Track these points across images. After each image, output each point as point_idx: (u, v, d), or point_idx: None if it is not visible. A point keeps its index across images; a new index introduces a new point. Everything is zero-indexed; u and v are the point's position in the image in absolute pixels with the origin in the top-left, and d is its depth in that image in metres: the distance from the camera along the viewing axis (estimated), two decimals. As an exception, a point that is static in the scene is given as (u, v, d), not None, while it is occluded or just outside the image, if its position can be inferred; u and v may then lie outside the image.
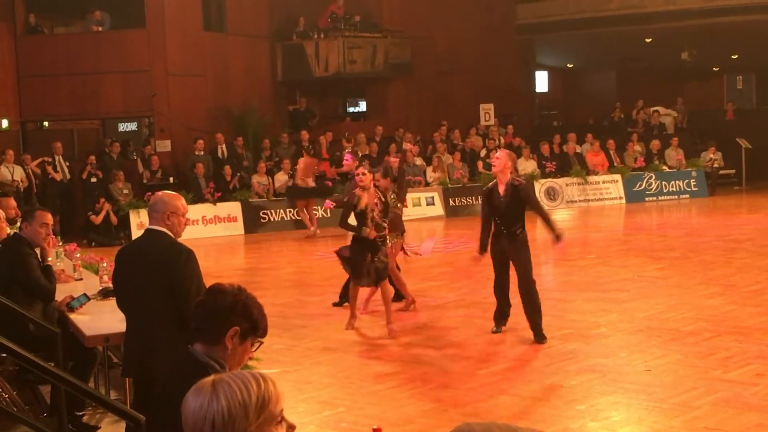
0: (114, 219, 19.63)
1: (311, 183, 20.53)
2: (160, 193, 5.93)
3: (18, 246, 7.36)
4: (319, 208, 20.73)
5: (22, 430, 6.56)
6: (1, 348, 5.31)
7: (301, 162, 20.64)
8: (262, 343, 3.68)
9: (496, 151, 10.45)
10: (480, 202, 10.33)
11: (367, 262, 10.10)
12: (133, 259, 5.73)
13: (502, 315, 9.95)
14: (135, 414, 4.62)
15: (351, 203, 10.24)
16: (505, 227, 9.44)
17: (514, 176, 9.70)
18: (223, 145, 22.47)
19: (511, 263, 9.63)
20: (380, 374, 8.62)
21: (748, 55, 29.26)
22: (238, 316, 3.58)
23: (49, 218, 7.66)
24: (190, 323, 3.71)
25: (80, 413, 7.11)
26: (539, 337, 9.51)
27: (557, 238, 9.47)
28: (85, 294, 7.53)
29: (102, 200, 19.66)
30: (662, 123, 27.88)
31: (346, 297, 11.76)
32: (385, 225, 10.27)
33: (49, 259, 7.79)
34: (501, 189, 9.47)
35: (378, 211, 10.13)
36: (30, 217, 7.54)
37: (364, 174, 10.18)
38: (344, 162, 13.82)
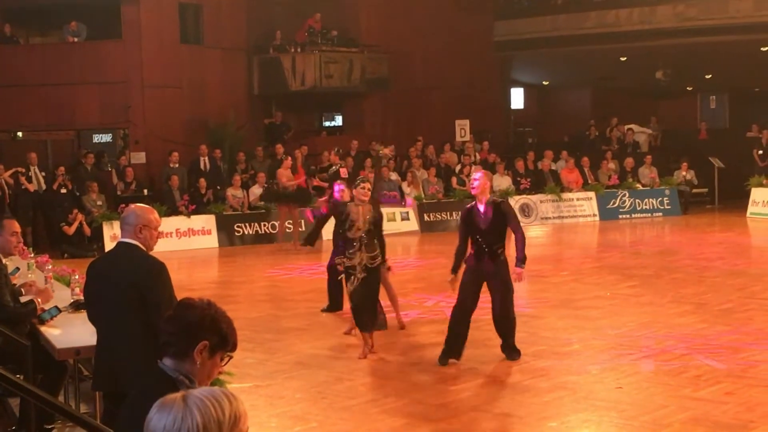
0: (87, 230, 19.52)
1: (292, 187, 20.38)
2: (132, 205, 5.91)
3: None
4: (303, 222, 20.63)
5: (-10, 443, 6.51)
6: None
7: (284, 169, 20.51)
8: (231, 357, 3.65)
9: (472, 170, 10.38)
10: (458, 220, 10.02)
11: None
12: (105, 272, 5.70)
13: (456, 343, 9.39)
14: (104, 428, 4.58)
15: (339, 213, 10.00)
16: (487, 245, 9.22)
17: (493, 196, 9.55)
18: (206, 158, 22.38)
19: (483, 288, 9.39)
20: (352, 390, 8.61)
21: (721, 75, 29.53)
22: (207, 331, 3.53)
23: (17, 226, 7.64)
24: (159, 338, 3.67)
25: (49, 426, 7.06)
26: (515, 354, 9.47)
27: (520, 261, 9.26)
28: (56, 306, 7.48)
29: (75, 211, 19.55)
30: (636, 141, 28.08)
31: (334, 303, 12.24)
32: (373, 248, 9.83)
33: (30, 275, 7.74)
34: (481, 207, 9.28)
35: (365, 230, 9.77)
36: (0, 227, 7.48)
37: (369, 189, 9.97)
38: (336, 193, 12.24)
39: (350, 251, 9.78)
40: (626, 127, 28.27)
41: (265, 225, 21.04)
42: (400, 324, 11.26)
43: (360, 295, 9.76)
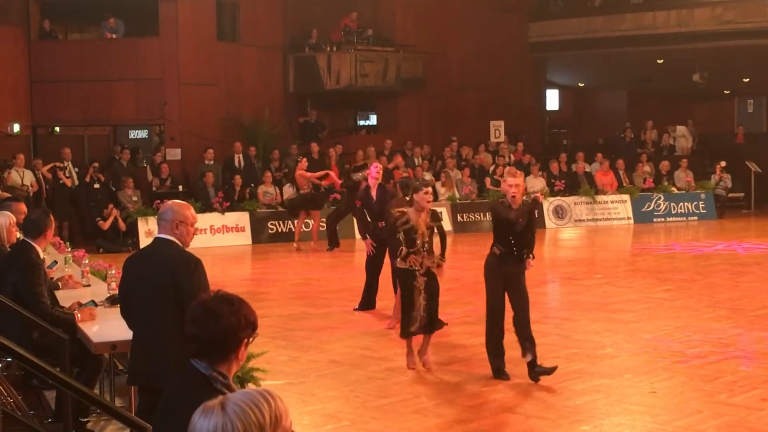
0: (122, 226, 19.65)
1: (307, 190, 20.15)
2: (169, 202, 5.95)
3: (30, 254, 7.31)
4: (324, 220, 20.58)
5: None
6: (9, 352, 5.33)
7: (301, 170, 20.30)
8: (257, 335, 3.64)
9: (505, 171, 10.05)
10: (491, 216, 9.37)
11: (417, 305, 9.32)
12: (142, 267, 5.74)
13: (499, 350, 9.05)
14: (140, 422, 4.62)
15: (397, 220, 9.35)
16: (518, 249, 8.87)
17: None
18: (240, 155, 22.49)
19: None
20: (385, 389, 8.61)
21: (759, 78, 29.24)
22: (243, 330, 3.54)
23: None
24: (192, 344, 3.60)
25: (84, 420, 7.11)
26: (540, 371, 8.85)
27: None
28: (93, 300, 7.56)
29: (110, 206, 19.70)
30: (672, 144, 27.88)
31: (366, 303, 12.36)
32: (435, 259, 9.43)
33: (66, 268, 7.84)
34: (516, 211, 8.85)
35: (427, 238, 9.35)
36: (52, 224, 7.55)
37: (430, 194, 9.37)
38: (376, 173, 12.51)
39: (411, 251, 9.35)
40: (674, 126, 28.03)
41: (298, 223, 21.06)
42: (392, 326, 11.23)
43: (424, 299, 9.37)
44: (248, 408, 2.57)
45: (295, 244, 19.65)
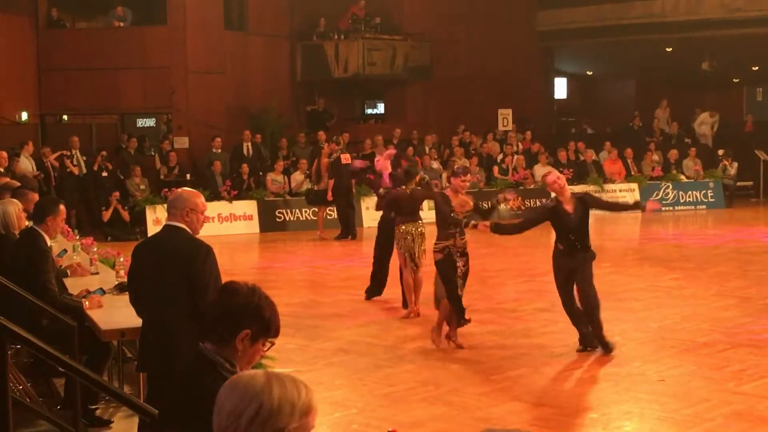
0: (125, 216, 19.59)
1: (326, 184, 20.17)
2: (180, 189, 5.96)
3: (37, 241, 7.33)
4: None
5: (36, 422, 6.60)
6: (19, 339, 5.34)
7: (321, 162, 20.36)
8: (273, 343, 3.58)
9: (551, 171, 10.36)
10: (541, 207, 9.38)
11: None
12: (152, 255, 5.75)
13: (588, 334, 9.32)
14: (149, 408, 4.64)
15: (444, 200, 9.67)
16: (580, 242, 9.16)
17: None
18: (249, 143, 22.49)
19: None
20: (392, 377, 8.61)
21: (768, 67, 29.18)
22: (249, 319, 3.48)
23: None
24: (202, 322, 3.64)
25: (93, 407, 7.13)
26: (608, 348, 9.17)
27: (642, 207, 9.42)
28: (101, 288, 7.57)
29: (113, 195, 19.62)
30: (681, 133, 27.81)
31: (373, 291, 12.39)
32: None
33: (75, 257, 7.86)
34: (569, 207, 9.15)
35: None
36: (57, 211, 7.57)
37: (468, 181, 9.80)
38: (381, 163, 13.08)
39: (450, 232, 9.52)
40: (713, 112, 27.92)
41: (306, 211, 21.08)
42: (416, 313, 11.24)
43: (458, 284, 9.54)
44: (289, 384, 2.63)
45: (318, 232, 19.61)
